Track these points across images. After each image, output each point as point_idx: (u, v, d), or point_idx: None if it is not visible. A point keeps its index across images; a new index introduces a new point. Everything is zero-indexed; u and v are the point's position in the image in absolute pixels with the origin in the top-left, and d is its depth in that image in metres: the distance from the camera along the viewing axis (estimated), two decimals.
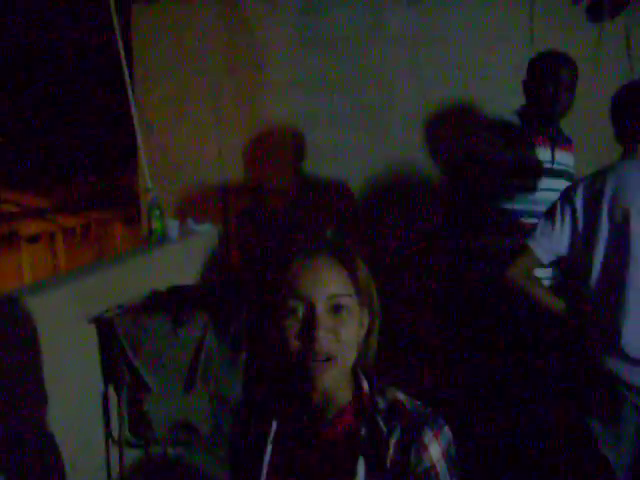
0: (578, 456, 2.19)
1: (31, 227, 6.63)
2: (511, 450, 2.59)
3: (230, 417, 2.62)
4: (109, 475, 2.73)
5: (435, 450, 1.16)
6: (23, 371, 2.38)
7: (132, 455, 2.79)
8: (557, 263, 2.34)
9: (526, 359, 2.48)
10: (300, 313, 1.16)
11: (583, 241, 2.01)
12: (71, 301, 2.61)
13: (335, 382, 1.18)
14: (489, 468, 2.55)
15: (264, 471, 1.24)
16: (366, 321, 1.24)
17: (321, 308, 1.15)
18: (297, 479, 1.21)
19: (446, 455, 1.17)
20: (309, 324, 1.14)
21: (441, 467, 1.16)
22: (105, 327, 2.66)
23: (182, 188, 3.74)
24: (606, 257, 1.98)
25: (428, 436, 1.16)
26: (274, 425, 1.26)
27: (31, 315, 2.40)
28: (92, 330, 2.66)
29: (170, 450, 2.79)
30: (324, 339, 1.14)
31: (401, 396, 1.24)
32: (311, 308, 1.15)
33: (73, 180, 7.85)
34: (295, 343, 1.15)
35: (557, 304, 2.15)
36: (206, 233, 3.53)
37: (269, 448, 1.25)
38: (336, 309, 1.16)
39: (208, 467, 2.94)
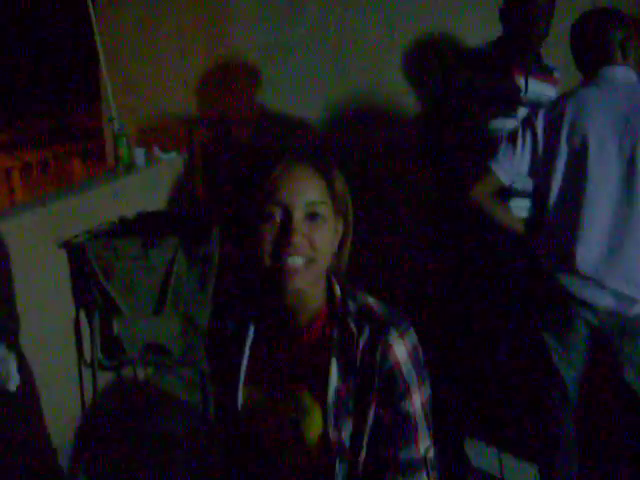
0: (535, 370, 2.31)
1: None
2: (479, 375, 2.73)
3: (200, 339, 2.69)
4: (82, 397, 2.80)
5: (400, 350, 1.20)
6: None
7: (105, 378, 2.86)
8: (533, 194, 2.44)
9: (493, 283, 2.58)
10: (277, 218, 1.19)
11: (543, 164, 2.09)
12: (40, 226, 2.63)
13: (309, 286, 1.22)
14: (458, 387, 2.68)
15: (242, 376, 1.30)
16: (340, 229, 1.29)
17: (299, 215, 1.19)
18: (274, 382, 1.28)
19: (412, 356, 1.21)
20: (286, 229, 1.18)
21: (406, 367, 1.20)
22: (76, 252, 2.69)
23: (147, 117, 3.72)
24: (564, 181, 2.07)
25: (393, 336, 1.20)
26: (251, 330, 1.31)
27: (1, 240, 2.42)
28: (62, 256, 2.69)
29: (142, 372, 2.86)
30: (300, 244, 1.18)
31: (370, 300, 1.29)
32: (288, 214, 1.18)
33: (30, 115, 7.68)
34: (271, 248, 1.19)
35: (516, 224, 2.25)
36: (172, 161, 3.54)
37: (246, 353, 1.30)
38: (312, 216, 1.20)
39: (178, 389, 3.03)
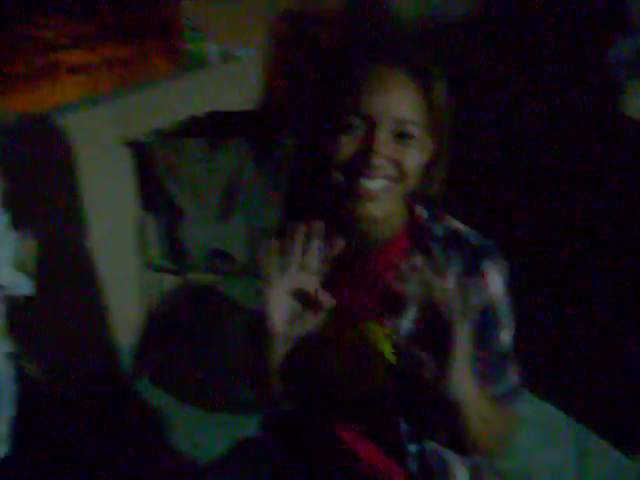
0: None
1: (73, 57, 6.46)
2: None
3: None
4: (147, 301, 2.75)
5: (495, 281, 1.07)
6: (58, 194, 2.34)
7: (170, 283, 2.80)
8: None
9: None
10: (359, 132, 1.02)
11: None
12: (107, 123, 2.52)
13: (387, 209, 1.06)
14: None
15: None
16: (431, 147, 1.09)
17: (384, 132, 1.01)
18: (340, 309, 1.10)
19: (506, 288, 1.09)
20: (368, 147, 1.01)
21: (501, 299, 1.08)
22: (141, 151, 2.58)
23: (223, 12, 3.51)
24: None
25: (487, 265, 1.06)
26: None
27: (65, 135, 2.32)
28: (128, 154, 2.58)
29: (206, 277, 2.78)
30: (382, 166, 1.02)
31: (461, 226, 1.13)
32: (373, 129, 1.01)
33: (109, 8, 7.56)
34: (346, 165, 1.03)
35: None
36: (248, 59, 3.33)
37: None
38: (401, 135, 1.02)
39: (243, 296, 2.94)
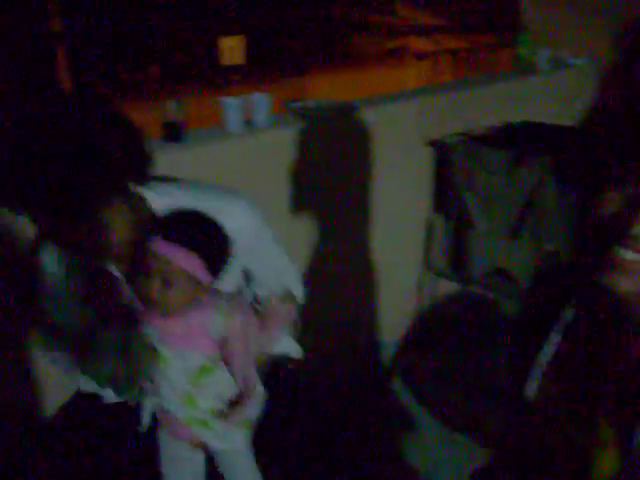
0: None
1: (418, 44, 6.66)
2: None
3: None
4: (420, 299, 2.72)
5: None
6: (350, 184, 2.39)
7: (446, 287, 2.74)
8: None
9: None
10: None
11: None
12: (412, 118, 2.51)
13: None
14: None
15: (544, 357, 0.96)
16: None
17: None
18: (578, 392, 0.91)
19: None
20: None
21: None
22: (442, 152, 2.53)
23: (565, 20, 3.26)
24: None
25: None
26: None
27: (366, 127, 2.35)
28: (427, 154, 2.55)
29: (484, 292, 2.66)
30: None
31: None
32: None
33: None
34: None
35: None
36: (581, 69, 3.07)
37: (559, 332, 0.95)
38: None
39: (518, 321, 2.76)
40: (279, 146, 2.07)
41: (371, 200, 2.42)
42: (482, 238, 2.53)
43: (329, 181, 2.25)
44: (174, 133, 1.84)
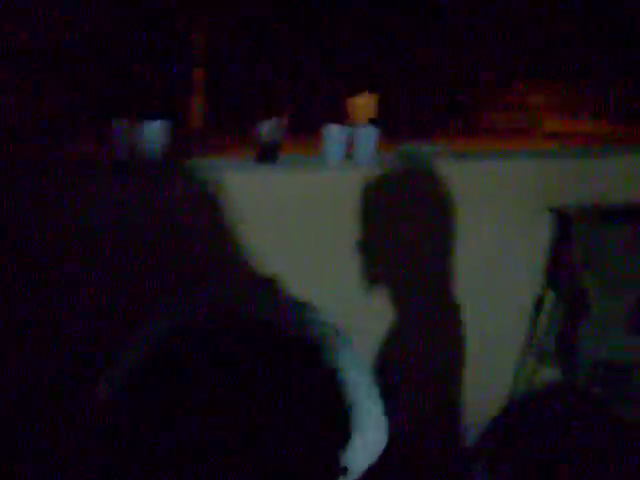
0: None
1: (552, 125, 6.52)
2: None
3: None
4: (515, 383, 2.44)
5: None
6: (450, 241, 2.20)
7: (546, 374, 2.45)
8: None
9: None
10: None
11: None
12: (536, 180, 2.30)
13: None
14: None
15: None
16: None
17: None
18: None
19: None
20: None
21: None
22: (561, 223, 2.30)
23: None
24: None
25: None
26: None
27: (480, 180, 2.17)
28: (544, 222, 2.32)
29: (589, 386, 2.35)
30: None
31: None
32: None
33: None
34: None
35: None
36: None
37: None
38: None
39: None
40: (380, 185, 1.92)
41: (471, 264, 2.22)
42: (597, 324, 2.26)
43: (429, 238, 2.08)
44: (269, 153, 1.74)
